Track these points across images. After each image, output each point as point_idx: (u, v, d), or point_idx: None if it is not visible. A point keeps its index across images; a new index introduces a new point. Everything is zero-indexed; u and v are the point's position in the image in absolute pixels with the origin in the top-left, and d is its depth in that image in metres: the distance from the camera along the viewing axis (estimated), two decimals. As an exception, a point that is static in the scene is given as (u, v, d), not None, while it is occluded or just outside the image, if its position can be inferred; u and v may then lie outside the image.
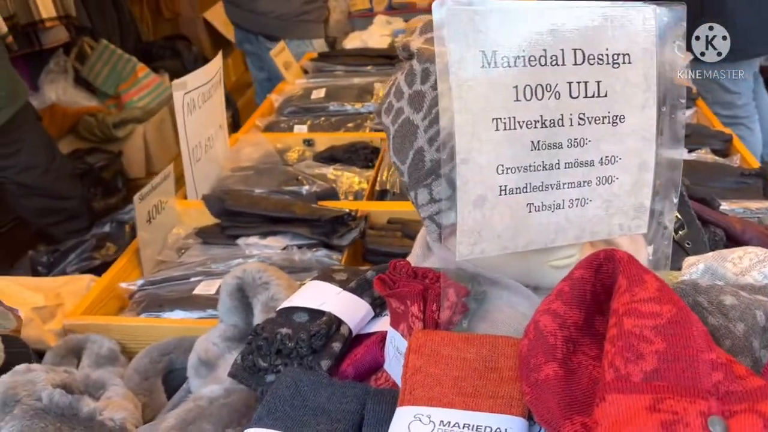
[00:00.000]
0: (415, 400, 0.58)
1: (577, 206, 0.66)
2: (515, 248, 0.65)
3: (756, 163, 1.53)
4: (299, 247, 1.28)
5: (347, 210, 1.34)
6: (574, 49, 0.63)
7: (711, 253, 0.74)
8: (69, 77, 3.49)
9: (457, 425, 0.54)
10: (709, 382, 0.46)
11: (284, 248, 1.29)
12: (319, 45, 3.11)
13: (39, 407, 0.78)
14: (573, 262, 0.71)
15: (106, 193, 3.26)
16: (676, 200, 0.71)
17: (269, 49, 2.49)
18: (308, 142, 1.87)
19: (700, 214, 1.06)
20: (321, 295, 0.81)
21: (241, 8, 3.00)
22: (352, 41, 3.25)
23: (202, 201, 1.49)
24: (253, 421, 0.64)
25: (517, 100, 0.62)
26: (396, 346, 0.71)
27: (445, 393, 0.57)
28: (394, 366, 0.71)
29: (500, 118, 0.61)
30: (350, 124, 1.98)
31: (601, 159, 0.66)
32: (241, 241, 1.33)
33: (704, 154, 1.55)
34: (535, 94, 0.62)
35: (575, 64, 0.64)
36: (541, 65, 0.62)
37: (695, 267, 0.70)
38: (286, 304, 0.81)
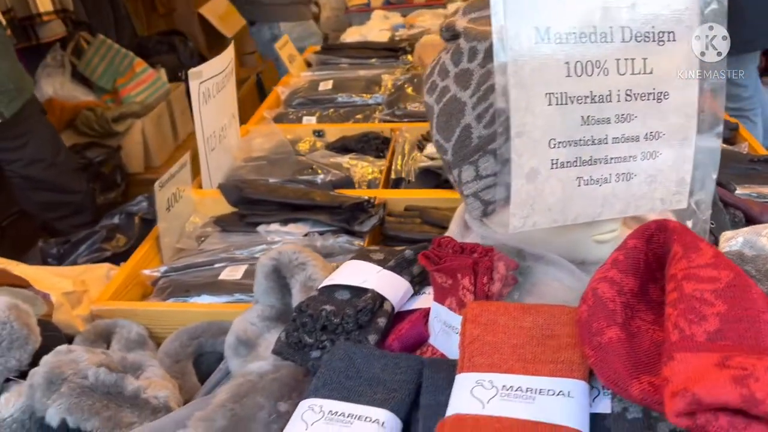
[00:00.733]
0: (475, 367, 0.59)
1: (623, 180, 0.68)
2: (564, 221, 0.67)
3: (763, 150, 1.56)
4: (321, 233, 1.29)
5: (366, 197, 1.36)
6: (622, 27, 0.65)
7: (745, 228, 0.76)
8: (66, 72, 3.47)
9: (519, 389, 0.56)
10: (772, 341, 0.48)
11: (305, 235, 1.30)
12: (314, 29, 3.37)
13: (86, 385, 0.78)
14: (615, 237, 0.74)
15: (105, 188, 3.24)
16: (714, 176, 0.73)
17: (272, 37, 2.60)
18: (318, 133, 1.88)
19: (720, 196, 1.08)
20: (362, 273, 0.82)
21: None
22: (352, 36, 3.26)
23: (218, 190, 1.50)
24: (309, 392, 0.65)
25: (569, 75, 0.64)
26: (443, 320, 0.72)
27: (504, 360, 0.59)
28: (441, 339, 0.73)
29: (553, 93, 0.63)
30: (359, 116, 1.99)
31: (646, 134, 0.68)
32: (261, 228, 1.34)
33: (714, 142, 1.57)
34: (585, 70, 0.64)
35: (623, 41, 0.65)
36: (591, 42, 0.64)
37: (734, 240, 0.72)
38: (327, 282, 0.83)
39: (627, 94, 0.66)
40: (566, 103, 0.64)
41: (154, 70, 3.75)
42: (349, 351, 0.68)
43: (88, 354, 0.85)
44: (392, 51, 2.49)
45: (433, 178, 1.52)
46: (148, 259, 1.33)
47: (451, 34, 0.75)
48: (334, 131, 1.88)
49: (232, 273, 1.20)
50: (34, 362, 0.86)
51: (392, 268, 0.84)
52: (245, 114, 2.15)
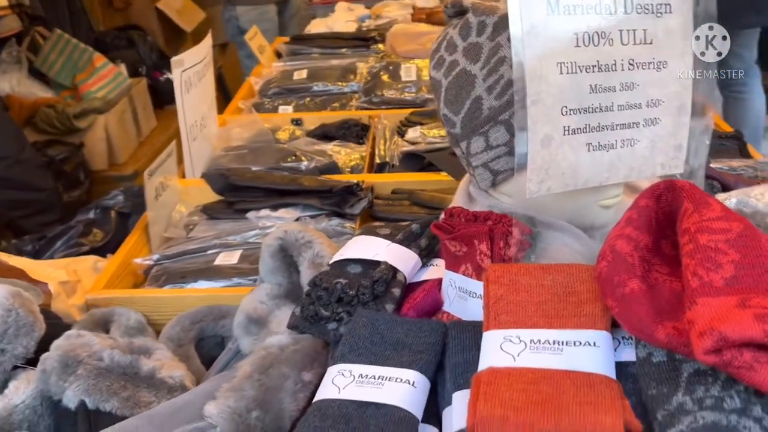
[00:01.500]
0: (501, 325, 0.62)
1: (627, 146, 0.72)
2: (575, 185, 0.70)
3: (729, 128, 1.64)
4: (312, 217, 1.30)
5: (355, 181, 1.37)
6: (625, -1, 0.68)
7: (736, 191, 0.81)
8: (23, 68, 3.37)
9: (547, 342, 0.59)
10: (785, 283, 0.52)
11: (297, 219, 1.31)
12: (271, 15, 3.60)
13: (102, 366, 0.78)
14: (618, 202, 0.77)
15: (68, 186, 3.16)
16: (707, 142, 0.77)
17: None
18: (296, 122, 1.88)
19: (699, 167, 1.14)
20: (372, 247, 0.84)
21: None
22: (317, 27, 3.25)
23: (202, 179, 1.49)
24: (336, 359, 0.67)
25: (578, 45, 0.67)
26: (458, 286, 0.75)
27: (529, 316, 0.62)
28: (456, 305, 0.75)
29: (564, 63, 0.66)
30: (335, 104, 2.00)
31: (648, 102, 0.72)
32: (251, 214, 1.34)
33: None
34: (592, 41, 0.67)
35: (625, 13, 0.69)
36: (596, 13, 0.67)
37: (729, 201, 0.76)
38: (338, 257, 0.84)
39: (630, 64, 0.70)
40: (576, 72, 0.67)
41: (114, 66, 3.67)
42: (371, 318, 0.70)
43: (98, 338, 0.85)
44: (363, 40, 2.51)
45: (416, 161, 1.55)
46: (137, 248, 1.32)
47: (456, 11, 0.77)
48: (312, 119, 1.89)
49: (227, 258, 1.20)
50: (39, 351, 0.85)
51: (401, 242, 0.86)
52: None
